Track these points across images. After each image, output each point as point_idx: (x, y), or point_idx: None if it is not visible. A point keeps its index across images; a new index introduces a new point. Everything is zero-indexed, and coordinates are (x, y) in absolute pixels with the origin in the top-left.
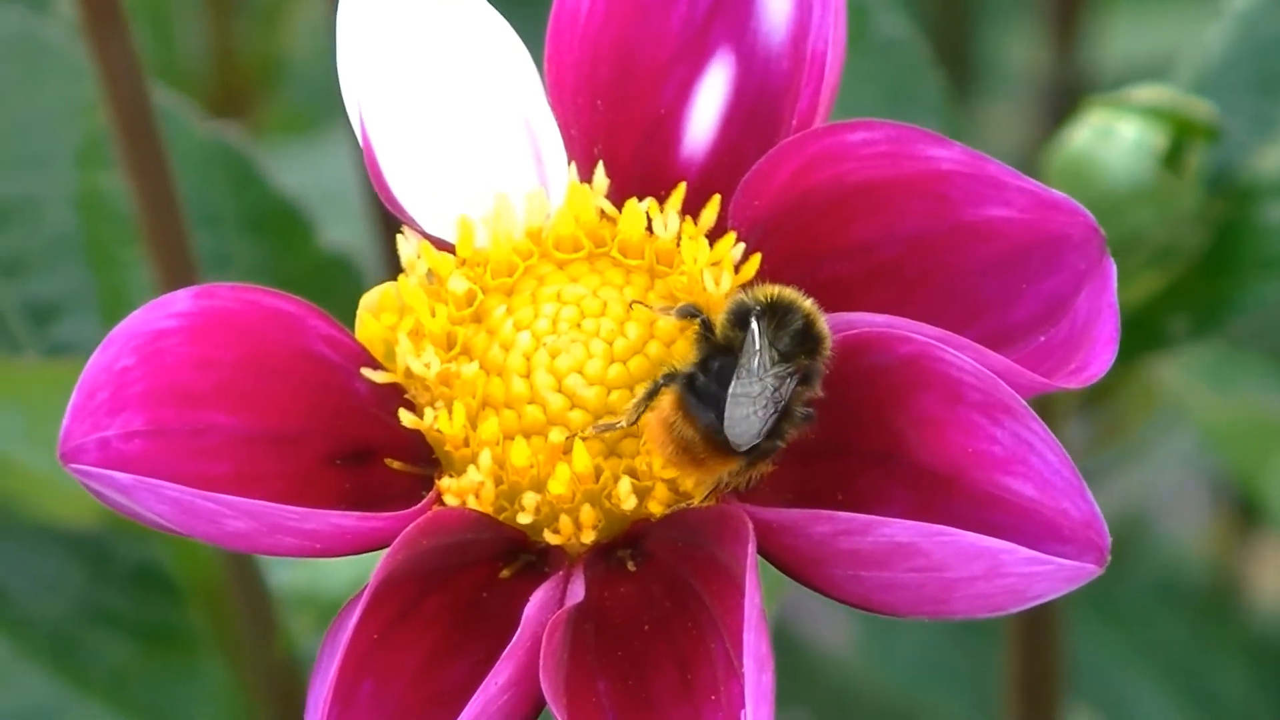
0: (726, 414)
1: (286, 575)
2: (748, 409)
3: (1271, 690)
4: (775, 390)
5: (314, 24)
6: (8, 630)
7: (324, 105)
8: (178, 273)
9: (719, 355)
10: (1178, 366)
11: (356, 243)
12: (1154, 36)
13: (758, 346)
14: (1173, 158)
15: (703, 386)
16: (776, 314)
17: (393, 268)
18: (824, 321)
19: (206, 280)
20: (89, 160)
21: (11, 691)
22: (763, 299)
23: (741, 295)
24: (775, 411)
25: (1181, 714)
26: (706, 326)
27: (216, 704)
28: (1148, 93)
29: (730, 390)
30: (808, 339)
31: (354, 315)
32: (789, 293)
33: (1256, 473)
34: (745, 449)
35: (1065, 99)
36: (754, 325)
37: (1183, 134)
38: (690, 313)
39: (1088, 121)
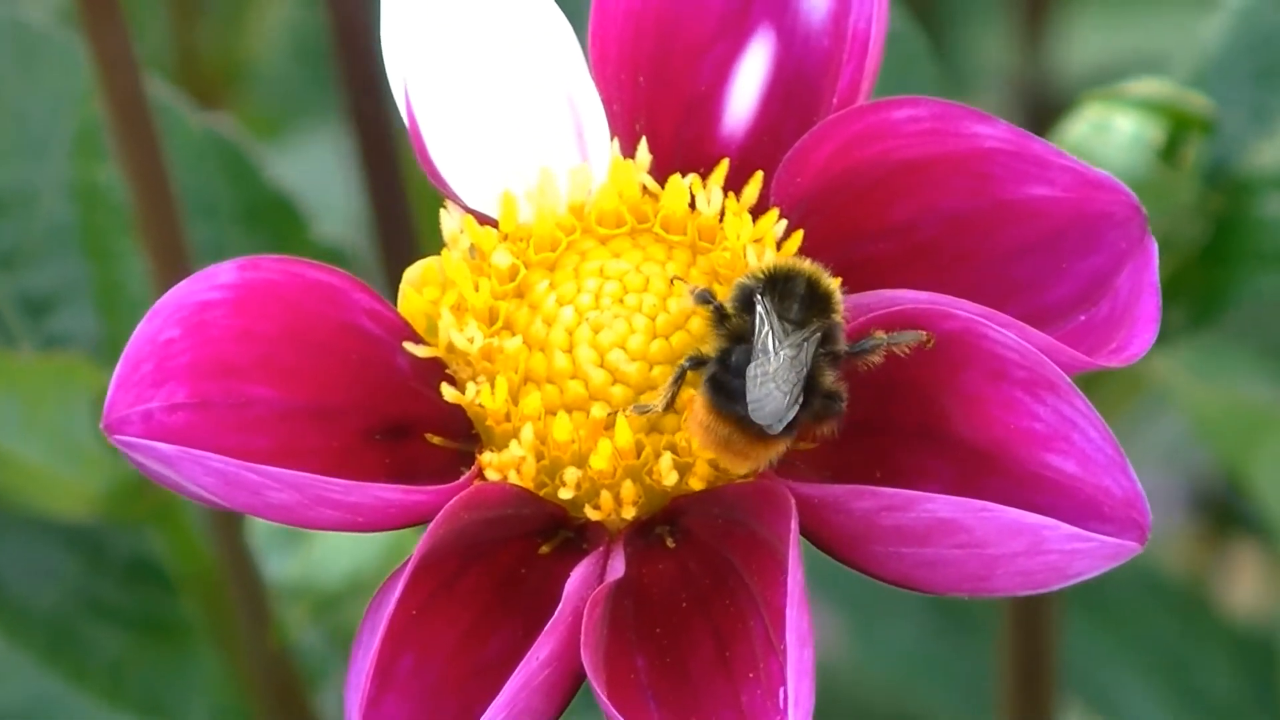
0: (748, 398)
1: (281, 566)
2: (768, 387)
3: (1256, 684)
4: (794, 358)
5: (279, 27)
6: (3, 622)
7: (290, 109)
8: (173, 264)
9: (735, 345)
10: (1165, 357)
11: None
12: (1119, 39)
13: (766, 325)
14: (1170, 151)
15: (725, 382)
16: (778, 285)
17: (391, 267)
18: (827, 277)
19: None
20: (85, 151)
21: (7, 683)
22: (761, 275)
23: (742, 279)
24: (799, 380)
25: (1169, 709)
26: (720, 313)
27: (211, 694)
28: (1144, 86)
29: (748, 374)
30: (815, 299)
31: None
32: (785, 260)
33: (1243, 461)
34: (779, 428)
35: (1034, 98)
36: (759, 306)
37: (1179, 128)
38: (705, 298)
39: (1084, 115)
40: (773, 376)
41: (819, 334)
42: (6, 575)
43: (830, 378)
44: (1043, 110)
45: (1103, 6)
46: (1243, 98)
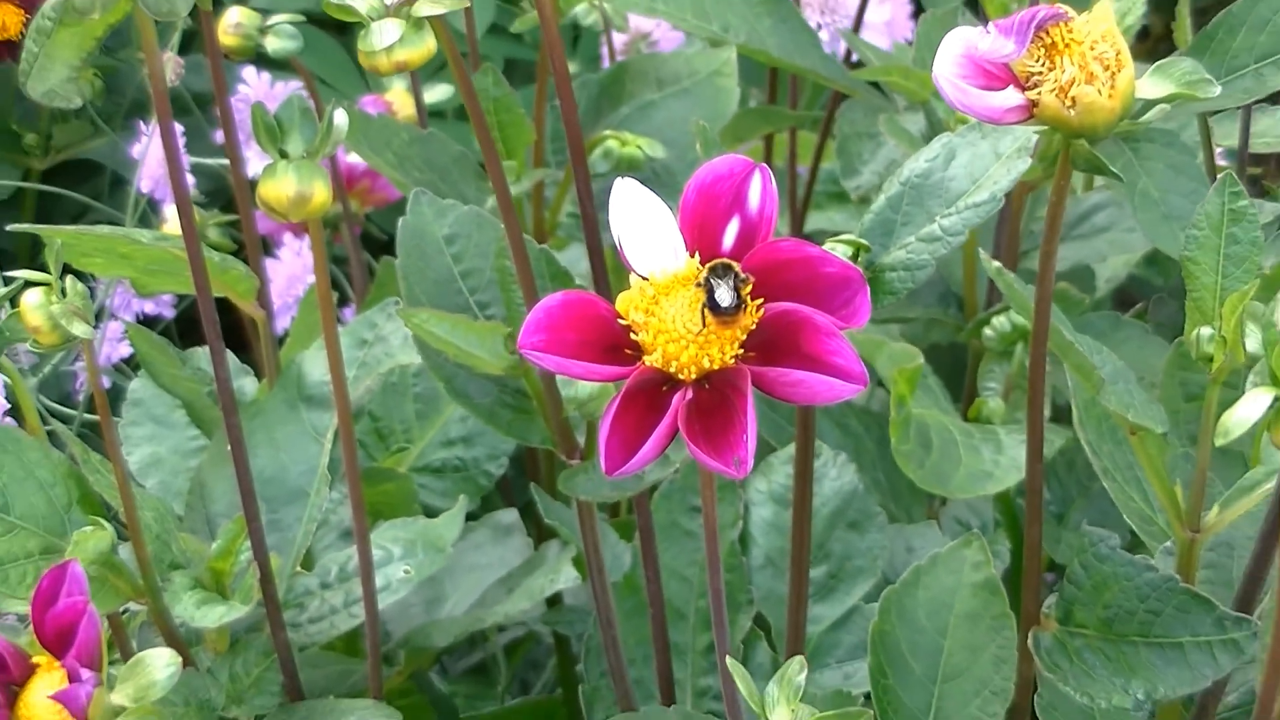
0: (722, 306)
1: (566, 390)
2: (726, 298)
3: (869, 426)
4: (730, 287)
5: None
6: (472, 408)
7: (568, 238)
8: (530, 290)
9: (710, 297)
10: None
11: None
12: (831, 222)
13: (713, 284)
14: (855, 258)
15: (715, 307)
16: (713, 270)
17: (600, 289)
18: (728, 262)
19: (540, 296)
20: (500, 255)
21: (469, 421)
22: (707, 270)
23: (703, 272)
24: (736, 291)
25: (836, 433)
26: (701, 286)
27: (541, 434)
28: (847, 236)
29: (723, 305)
30: (727, 269)
31: None
32: (709, 263)
33: (871, 360)
34: (736, 307)
35: None
36: (711, 281)
37: (859, 250)
38: (699, 284)
39: (824, 246)
40: (724, 297)
41: (734, 276)
42: (474, 393)
43: (741, 289)
44: None
45: (828, 209)
46: (879, 241)
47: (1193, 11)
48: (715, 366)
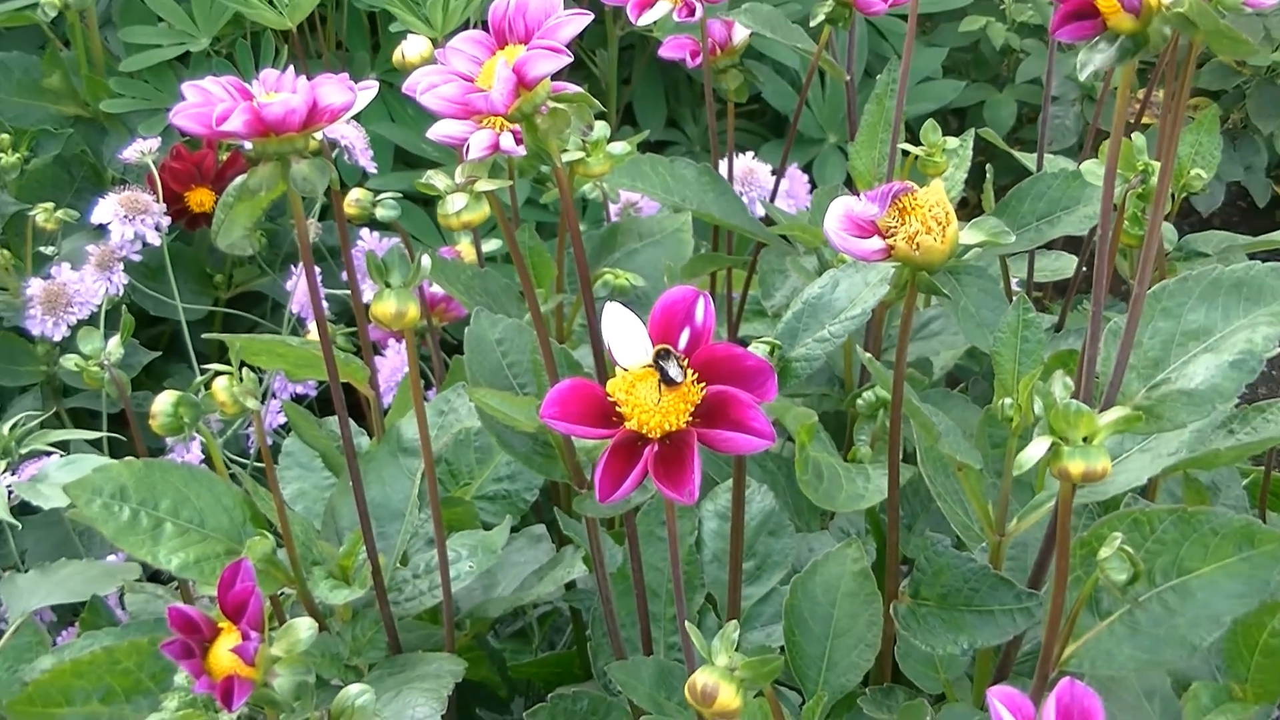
0: (675, 380)
1: (579, 443)
2: (676, 375)
3: (781, 466)
4: (673, 368)
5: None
6: (513, 454)
7: (579, 341)
8: (553, 377)
9: (662, 372)
10: None
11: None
12: (758, 330)
13: (663, 365)
14: (772, 354)
15: (665, 381)
16: (659, 354)
17: (600, 377)
18: (669, 347)
19: (558, 378)
20: (533, 352)
21: (506, 464)
22: (655, 352)
23: (652, 354)
24: (681, 367)
25: (759, 473)
26: (654, 367)
27: (561, 472)
28: (767, 339)
29: (671, 376)
30: (668, 354)
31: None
32: (658, 346)
33: (783, 419)
34: (680, 382)
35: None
36: (661, 362)
37: (774, 348)
38: (650, 367)
39: (751, 347)
40: (671, 372)
41: (675, 359)
42: (516, 445)
43: (681, 366)
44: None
45: (753, 321)
46: (788, 342)
47: (995, 188)
48: (673, 429)
